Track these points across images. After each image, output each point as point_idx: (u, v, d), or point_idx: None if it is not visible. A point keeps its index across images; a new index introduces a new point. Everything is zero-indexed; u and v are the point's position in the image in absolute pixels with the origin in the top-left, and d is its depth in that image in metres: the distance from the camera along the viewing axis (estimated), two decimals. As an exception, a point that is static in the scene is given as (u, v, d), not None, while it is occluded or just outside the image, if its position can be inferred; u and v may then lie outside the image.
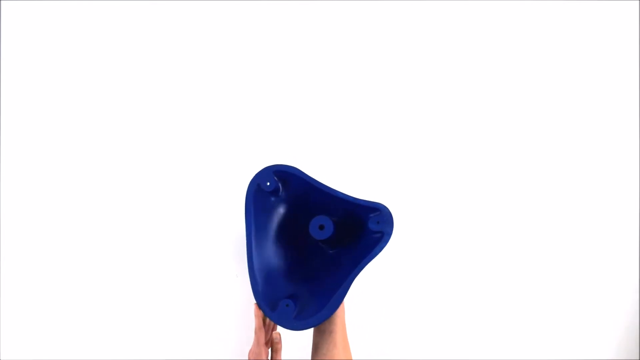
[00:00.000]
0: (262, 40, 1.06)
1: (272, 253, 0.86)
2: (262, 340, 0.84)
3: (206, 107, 1.07)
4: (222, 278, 1.06)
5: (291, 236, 0.88)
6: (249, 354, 0.84)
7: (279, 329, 0.93)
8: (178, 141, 1.07)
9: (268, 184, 0.81)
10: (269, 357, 0.88)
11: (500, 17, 1.04)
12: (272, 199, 0.85)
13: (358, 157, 1.05)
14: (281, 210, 0.87)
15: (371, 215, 0.82)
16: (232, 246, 1.05)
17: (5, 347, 1.08)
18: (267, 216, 0.85)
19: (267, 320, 0.89)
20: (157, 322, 1.06)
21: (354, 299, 0.99)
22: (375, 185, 1.04)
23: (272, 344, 0.90)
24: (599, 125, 1.04)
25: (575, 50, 1.03)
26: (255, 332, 0.83)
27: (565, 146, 1.04)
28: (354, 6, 1.04)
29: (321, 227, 0.83)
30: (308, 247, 0.89)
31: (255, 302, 0.83)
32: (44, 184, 1.07)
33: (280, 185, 0.83)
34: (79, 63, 1.08)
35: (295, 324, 0.79)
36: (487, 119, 1.04)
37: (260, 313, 0.83)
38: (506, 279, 1.04)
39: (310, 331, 0.85)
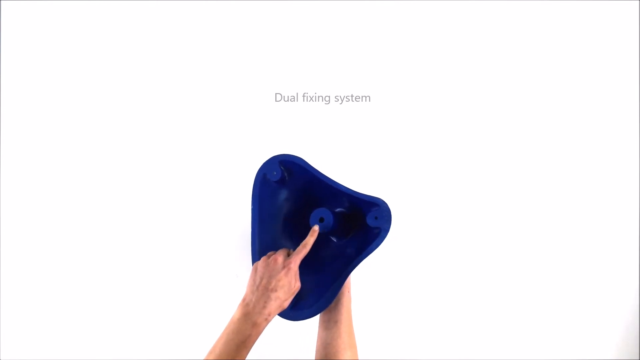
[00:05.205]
0: (266, 38, 1.08)
1: (276, 243, 0.86)
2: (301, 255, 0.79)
3: (213, 103, 1.08)
4: (222, 278, 1.06)
5: (296, 227, 0.88)
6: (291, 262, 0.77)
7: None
8: (182, 137, 1.08)
9: (274, 173, 0.82)
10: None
11: (501, 17, 1.05)
12: (278, 189, 0.86)
13: (364, 152, 1.06)
14: (286, 200, 0.87)
15: (370, 210, 0.82)
16: (233, 246, 1.06)
17: (5, 347, 1.07)
18: (272, 206, 0.86)
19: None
20: (156, 323, 1.06)
21: (359, 293, 0.99)
22: (381, 180, 1.04)
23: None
24: (599, 125, 1.04)
25: (575, 50, 1.05)
26: (305, 246, 0.79)
27: (565, 144, 1.05)
28: (360, 2, 1.07)
29: (321, 220, 0.83)
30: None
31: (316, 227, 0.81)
32: (47, 179, 1.08)
33: (286, 175, 0.84)
34: (79, 63, 1.09)
35: (292, 315, 0.79)
36: (489, 118, 1.05)
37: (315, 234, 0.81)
38: (506, 279, 1.04)
39: (313, 327, 0.84)
